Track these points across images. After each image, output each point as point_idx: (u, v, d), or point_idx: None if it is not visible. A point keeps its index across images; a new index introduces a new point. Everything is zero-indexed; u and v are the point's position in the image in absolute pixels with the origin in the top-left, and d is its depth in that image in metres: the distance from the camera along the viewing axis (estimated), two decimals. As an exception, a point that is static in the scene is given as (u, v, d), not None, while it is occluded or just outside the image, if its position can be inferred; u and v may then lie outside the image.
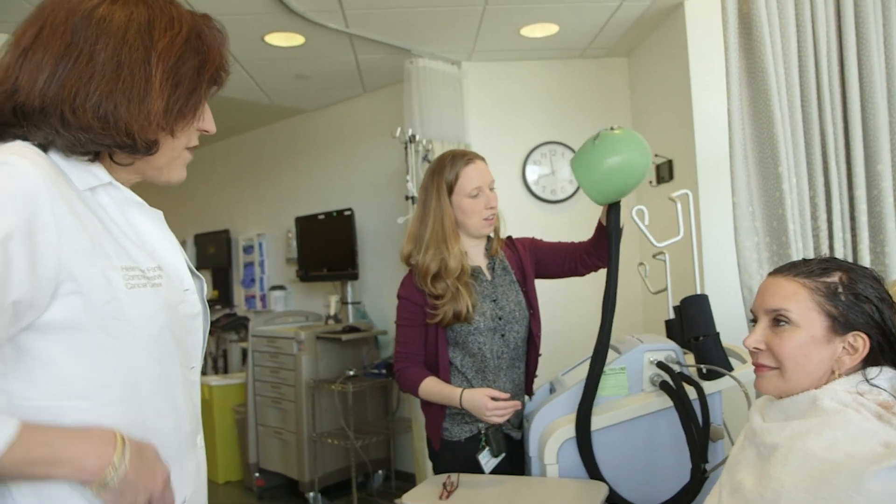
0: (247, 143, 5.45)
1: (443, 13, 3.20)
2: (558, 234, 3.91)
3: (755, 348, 1.18)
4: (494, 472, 1.92)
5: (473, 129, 3.85)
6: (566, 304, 3.82)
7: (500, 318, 1.96)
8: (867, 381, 1.11)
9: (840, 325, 1.13)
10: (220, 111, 4.90)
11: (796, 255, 1.84)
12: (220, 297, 5.55)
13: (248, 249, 5.33)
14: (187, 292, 1.02)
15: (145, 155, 0.93)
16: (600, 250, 2.01)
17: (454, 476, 1.84)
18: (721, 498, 1.24)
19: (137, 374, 0.90)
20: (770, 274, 1.24)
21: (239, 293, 5.48)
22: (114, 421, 0.87)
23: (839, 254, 1.87)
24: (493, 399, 1.81)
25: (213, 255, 5.59)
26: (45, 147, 0.88)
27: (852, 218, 1.88)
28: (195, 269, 1.09)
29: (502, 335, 1.97)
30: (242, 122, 5.17)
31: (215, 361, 5.46)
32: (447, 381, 1.93)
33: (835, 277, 1.16)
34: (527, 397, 2.13)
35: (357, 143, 4.62)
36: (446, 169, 1.91)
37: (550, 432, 1.94)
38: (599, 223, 2.00)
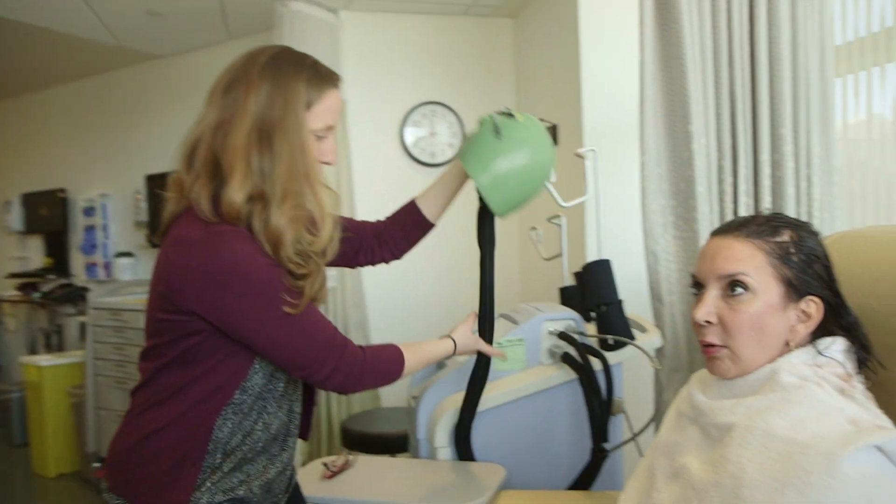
0: (88, 90, 4.81)
1: (320, -51, 2.87)
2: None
3: (706, 321, 1.03)
4: None
5: (350, 84, 3.56)
6: (448, 264, 3.65)
7: None
8: (821, 353, 1.00)
9: (795, 290, 1.00)
10: (55, 50, 4.26)
11: (703, 220, 1.75)
12: (55, 265, 4.90)
13: (88, 211, 4.73)
14: None
15: None
16: (401, 239, 1.51)
17: (350, 456, 1.65)
18: (656, 483, 1.09)
19: None
20: (715, 234, 1.09)
21: (77, 260, 4.86)
22: None
23: (743, 219, 1.80)
24: None
25: (46, 218, 4.91)
26: None
27: (755, 182, 1.81)
28: None
29: None
30: (83, 66, 4.53)
31: (48, 338, 4.83)
32: (210, 426, 1.12)
33: (785, 236, 1.03)
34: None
35: (218, 94, 4.18)
36: (305, 78, 1.13)
37: (441, 412, 1.75)
38: (411, 204, 1.51)
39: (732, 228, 1.06)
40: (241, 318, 1.07)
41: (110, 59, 4.38)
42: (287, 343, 1.11)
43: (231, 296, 1.06)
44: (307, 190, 1.12)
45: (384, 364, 1.26)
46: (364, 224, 1.51)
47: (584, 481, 1.70)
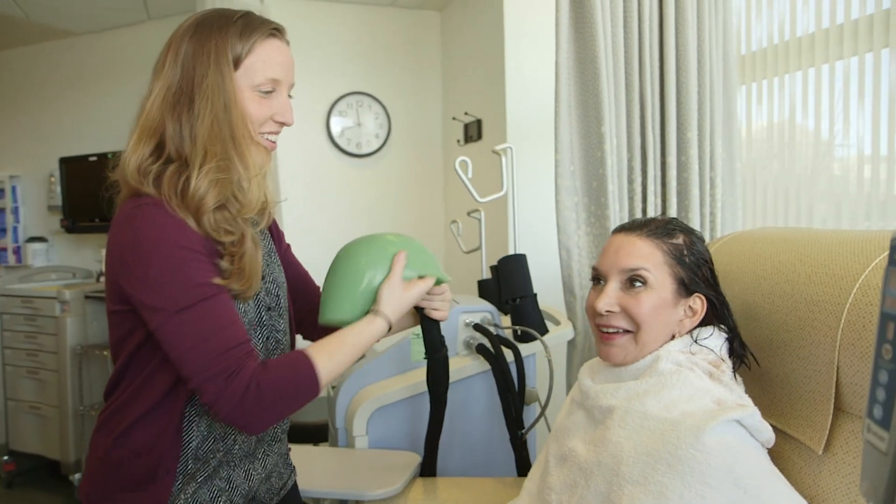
0: (-4, 67, 4.58)
1: (245, -67, 2.82)
2: (365, 191, 3.75)
3: (608, 311, 1.10)
4: None
5: (276, 71, 3.51)
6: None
7: (271, 306, 1.17)
8: (696, 342, 1.09)
9: (684, 288, 1.09)
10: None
11: (614, 217, 1.83)
12: (-40, 249, 4.65)
13: (-3, 194, 4.51)
14: None
15: None
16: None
17: None
18: (549, 467, 1.17)
19: None
20: (617, 231, 1.16)
21: (-16, 245, 4.63)
22: None
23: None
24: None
25: (-49, 200, 4.65)
26: None
27: (663, 183, 1.91)
28: None
29: (268, 336, 1.15)
30: (-10, 41, 4.31)
31: (-48, 326, 4.59)
32: (177, 431, 1.04)
33: (679, 239, 1.12)
34: None
35: (138, 75, 4.04)
36: (234, 31, 1.04)
37: (360, 401, 1.78)
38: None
39: (635, 227, 1.14)
40: (142, 299, 0.96)
41: (19, 35, 4.17)
42: (176, 342, 0.95)
43: (135, 274, 0.96)
44: (232, 152, 1.02)
45: (290, 384, 1.00)
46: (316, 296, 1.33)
47: (521, 471, 1.75)
